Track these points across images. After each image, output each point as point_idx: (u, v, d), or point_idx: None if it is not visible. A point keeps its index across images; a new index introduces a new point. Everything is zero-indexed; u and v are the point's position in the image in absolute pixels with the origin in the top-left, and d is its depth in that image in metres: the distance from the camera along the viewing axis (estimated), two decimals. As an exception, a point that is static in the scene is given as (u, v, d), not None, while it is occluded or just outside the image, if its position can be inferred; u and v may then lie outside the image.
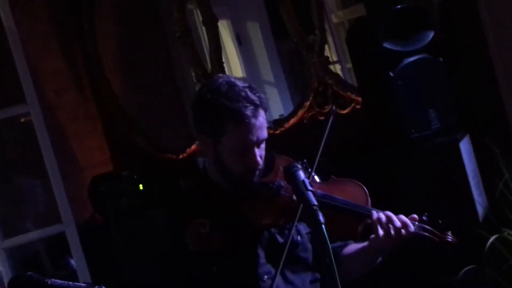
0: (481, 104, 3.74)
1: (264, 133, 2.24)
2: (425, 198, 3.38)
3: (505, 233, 3.23)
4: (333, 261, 1.97)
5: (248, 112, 2.18)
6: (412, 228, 2.23)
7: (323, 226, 1.96)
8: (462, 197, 3.37)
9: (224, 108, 2.18)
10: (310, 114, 4.30)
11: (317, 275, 2.35)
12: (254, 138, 2.21)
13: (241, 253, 2.26)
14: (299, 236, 2.32)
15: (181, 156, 4.54)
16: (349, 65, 4.47)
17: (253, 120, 2.19)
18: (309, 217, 2.02)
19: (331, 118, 2.42)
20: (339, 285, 1.98)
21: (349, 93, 4.17)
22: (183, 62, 4.83)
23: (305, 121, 4.31)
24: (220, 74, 2.33)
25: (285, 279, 2.28)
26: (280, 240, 2.28)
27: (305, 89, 4.27)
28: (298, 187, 2.10)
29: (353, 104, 4.14)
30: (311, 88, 4.24)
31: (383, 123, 3.50)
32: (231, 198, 2.29)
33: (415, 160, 3.42)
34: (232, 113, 2.18)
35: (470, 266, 3.24)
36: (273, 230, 2.29)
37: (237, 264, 2.25)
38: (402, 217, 2.25)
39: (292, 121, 4.25)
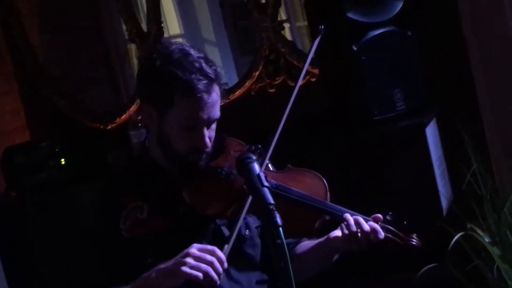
0: (450, 86, 3.76)
1: (216, 112, 2.20)
2: (384, 186, 3.40)
3: (471, 230, 3.26)
4: (290, 266, 1.94)
5: (201, 86, 2.14)
6: (381, 234, 2.22)
7: (280, 229, 1.92)
8: (426, 187, 3.40)
9: (174, 77, 2.15)
10: (258, 85, 4.24)
11: (265, 276, 2.33)
12: (205, 116, 2.17)
13: (181, 244, 2.19)
14: (247, 230, 2.30)
15: (109, 127, 4.43)
16: (299, 24, 4.41)
17: (205, 96, 2.15)
18: (265, 217, 1.98)
19: (317, 40, 2.36)
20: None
21: (303, 64, 4.10)
22: (113, 17, 4.69)
23: (252, 93, 4.25)
24: (173, 41, 2.34)
25: (229, 276, 2.26)
26: (226, 233, 2.26)
27: (254, 58, 4.19)
28: (252, 182, 2.05)
29: (308, 77, 4.09)
30: (261, 56, 4.18)
31: (342, 101, 3.49)
32: (174, 181, 2.25)
33: (376, 144, 3.42)
34: (183, 85, 2.14)
35: (432, 264, 3.27)
36: (218, 221, 2.26)
37: (175, 256, 2.17)
38: (371, 222, 2.24)
39: (238, 92, 4.19)
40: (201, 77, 2.14)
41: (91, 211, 2.40)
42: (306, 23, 4.42)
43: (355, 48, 3.36)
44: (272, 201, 1.98)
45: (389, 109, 3.43)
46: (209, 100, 2.16)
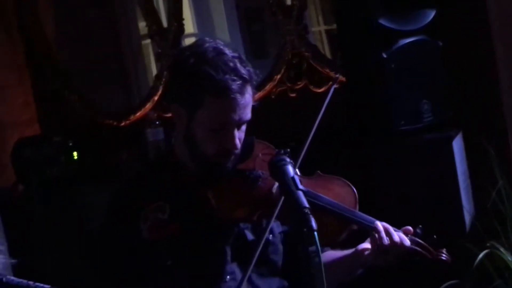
0: (478, 99, 3.81)
1: (247, 114, 2.23)
2: (407, 199, 3.44)
3: (493, 248, 3.30)
4: (323, 273, 1.97)
5: (235, 86, 2.16)
6: (408, 243, 2.25)
7: (316, 233, 1.94)
8: (450, 202, 3.45)
9: (207, 77, 2.16)
10: (279, 89, 4.29)
11: (285, 283, 2.36)
12: (236, 118, 2.19)
13: (203, 247, 2.24)
14: (271, 235, 2.31)
15: (123, 124, 4.46)
16: (315, 29, 4.45)
17: (238, 97, 2.17)
18: (299, 221, 1.99)
19: (332, 89, 2.38)
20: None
21: (327, 70, 4.17)
22: (128, 12, 4.73)
23: (273, 96, 4.29)
24: (207, 38, 2.31)
25: (250, 282, 2.28)
26: (250, 237, 2.28)
27: (276, 60, 4.24)
28: (286, 185, 2.08)
29: (330, 83, 4.13)
30: (283, 60, 4.23)
31: (368, 109, 3.53)
32: (199, 182, 2.27)
33: (401, 156, 3.47)
34: (216, 85, 2.16)
35: (452, 282, 3.31)
36: (242, 225, 2.29)
37: (196, 259, 2.24)
38: (398, 231, 2.27)
39: (258, 95, 4.21)
40: (235, 78, 2.16)
41: (104, 211, 2.37)
42: (321, 28, 4.50)
43: (384, 56, 3.41)
44: (307, 205, 2.00)
45: (416, 120, 3.47)
46: (241, 102, 2.18)
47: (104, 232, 2.35)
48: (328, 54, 4.32)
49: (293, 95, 4.26)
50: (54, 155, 4.05)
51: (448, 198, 3.44)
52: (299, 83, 4.25)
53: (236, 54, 2.22)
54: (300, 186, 2.07)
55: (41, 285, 1.60)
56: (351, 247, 2.33)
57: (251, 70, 2.22)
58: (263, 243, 2.21)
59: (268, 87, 4.26)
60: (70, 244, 3.83)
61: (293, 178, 2.09)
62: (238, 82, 2.16)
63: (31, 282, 1.61)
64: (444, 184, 3.44)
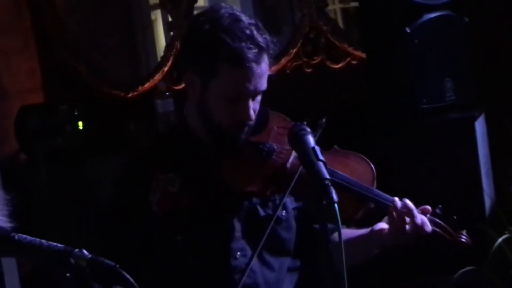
0: (503, 80, 3.78)
1: (263, 84, 2.21)
2: (426, 181, 3.42)
3: (513, 233, 3.29)
4: (343, 247, 1.94)
5: (251, 55, 2.14)
6: (429, 228, 2.22)
7: (336, 205, 1.92)
8: (470, 185, 3.43)
9: (222, 44, 2.15)
10: (295, 63, 4.27)
11: (297, 262, 2.35)
12: (252, 87, 2.17)
13: (214, 222, 2.23)
14: (284, 211, 2.29)
15: (130, 95, 4.45)
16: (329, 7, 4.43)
17: (254, 66, 2.15)
18: (319, 193, 1.96)
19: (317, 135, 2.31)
20: (345, 277, 1.94)
21: (346, 45, 4.15)
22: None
23: (288, 71, 4.28)
24: (223, 4, 2.28)
25: (261, 259, 2.27)
26: (262, 213, 2.27)
27: (293, 34, 4.22)
28: (306, 155, 2.06)
29: (348, 59, 4.12)
30: (300, 33, 4.20)
31: (388, 86, 3.50)
32: (211, 154, 2.26)
33: (422, 135, 3.45)
34: (231, 53, 2.14)
35: (469, 268, 3.29)
36: (254, 200, 2.27)
37: (207, 234, 2.22)
38: (420, 215, 2.23)
39: (272, 69, 4.19)
40: (251, 46, 2.14)
41: (113, 183, 2.38)
42: (336, 6, 4.48)
43: (408, 30, 3.38)
44: (327, 176, 1.98)
45: (438, 99, 3.45)
46: (257, 71, 2.16)
47: (113, 205, 2.35)
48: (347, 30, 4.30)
49: (309, 70, 4.24)
50: (59, 125, 4.05)
51: (468, 181, 3.43)
52: (315, 58, 4.23)
53: (253, 21, 2.20)
54: (321, 157, 2.05)
55: (54, 244, 1.58)
56: (366, 227, 2.31)
57: (268, 38, 2.20)
58: (275, 219, 2.20)
59: (283, 61, 4.25)
60: (75, 216, 3.83)
61: (313, 148, 2.07)
62: (254, 51, 2.14)
63: (44, 241, 1.60)
64: (464, 166, 3.42)
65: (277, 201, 2.24)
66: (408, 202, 2.23)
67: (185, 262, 2.24)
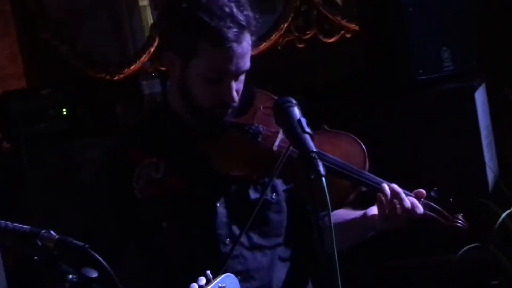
0: (504, 48, 3.74)
1: (246, 63, 2.18)
2: (424, 156, 3.40)
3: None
4: (332, 224, 1.90)
5: (231, 34, 2.10)
6: (420, 210, 2.20)
7: (323, 179, 1.88)
8: (471, 159, 3.41)
9: (200, 24, 2.11)
10: (286, 39, 4.22)
11: (289, 252, 2.32)
12: (233, 68, 2.14)
13: (200, 207, 2.21)
14: (273, 194, 2.28)
15: (116, 77, 4.41)
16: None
17: (234, 45, 2.11)
18: (306, 167, 1.93)
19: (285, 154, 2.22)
20: (335, 251, 1.90)
21: (338, 18, 4.10)
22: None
23: (279, 47, 4.23)
24: None
25: (253, 244, 2.25)
26: (253, 196, 2.25)
27: (284, 8, 4.18)
28: (292, 128, 2.02)
29: (342, 32, 4.08)
30: (291, 6, 4.16)
31: (384, 58, 3.48)
32: (195, 137, 2.23)
33: (419, 108, 3.42)
34: (210, 33, 2.11)
35: (473, 245, 3.27)
36: (244, 183, 2.24)
37: (193, 220, 2.21)
38: (412, 198, 2.21)
39: (264, 46, 4.17)
40: (231, 24, 2.10)
41: (96, 168, 2.37)
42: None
43: (401, -1, 3.36)
44: (314, 149, 1.95)
45: (435, 69, 3.42)
46: (238, 51, 2.12)
47: (96, 193, 2.33)
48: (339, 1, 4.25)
49: (301, 45, 4.19)
50: (42, 109, 4.02)
51: (470, 154, 3.40)
52: (308, 32, 4.18)
53: None
54: (307, 129, 2.01)
55: (19, 225, 1.56)
56: (362, 208, 2.28)
57: (250, 15, 2.16)
58: (263, 202, 2.19)
59: (274, 37, 4.21)
60: (61, 201, 3.81)
61: (299, 120, 2.03)
62: (234, 30, 2.10)
63: (9, 223, 1.57)
64: (465, 139, 3.39)
65: (269, 184, 2.20)
66: (395, 186, 2.20)
67: (173, 249, 2.23)
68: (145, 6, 4.72)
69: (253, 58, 4.02)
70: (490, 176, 3.45)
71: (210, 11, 2.11)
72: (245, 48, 2.15)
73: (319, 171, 1.89)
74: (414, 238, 3.17)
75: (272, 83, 3.41)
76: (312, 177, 1.90)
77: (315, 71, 4.07)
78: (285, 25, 4.21)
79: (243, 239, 2.22)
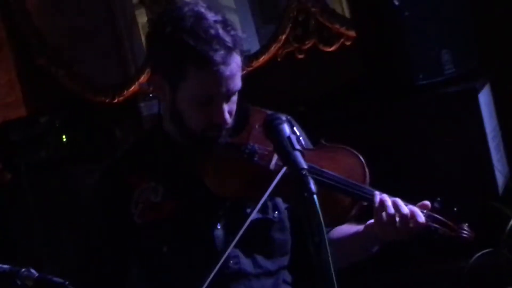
0: (507, 46, 3.72)
1: (237, 84, 2.17)
2: (430, 162, 3.39)
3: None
4: (326, 240, 1.89)
5: (218, 57, 2.10)
6: (422, 219, 2.19)
7: (315, 196, 1.88)
8: (479, 162, 3.38)
9: (186, 47, 2.11)
10: (286, 50, 4.23)
11: (291, 276, 2.33)
12: (223, 90, 2.14)
13: (200, 230, 2.22)
14: (276, 212, 2.28)
15: (116, 100, 4.44)
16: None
17: (222, 68, 2.11)
18: (297, 184, 1.93)
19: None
20: (333, 273, 1.91)
21: (337, 25, 4.11)
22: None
23: (279, 59, 4.25)
24: (187, 0, 2.24)
25: (257, 264, 2.26)
26: (253, 216, 2.18)
27: (281, 19, 4.19)
28: (282, 145, 2.03)
29: (342, 40, 4.08)
30: (288, 17, 4.17)
31: (382, 65, 3.47)
32: (190, 159, 2.24)
33: (421, 113, 3.41)
34: (196, 56, 2.11)
35: (486, 250, 3.25)
36: (243, 204, 2.24)
37: (194, 244, 2.21)
38: (411, 205, 2.21)
39: (263, 58, 4.19)
40: (217, 47, 2.10)
41: (92, 194, 2.37)
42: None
43: (396, 3, 3.34)
44: (305, 166, 1.95)
45: (436, 73, 3.40)
46: (227, 73, 2.11)
47: (93, 219, 2.34)
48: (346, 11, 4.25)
49: (301, 56, 4.20)
50: (41, 137, 4.05)
51: (477, 158, 3.38)
52: (307, 42, 4.19)
53: (218, 18, 2.15)
54: (297, 146, 2.02)
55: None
56: (366, 221, 2.28)
57: (237, 34, 2.15)
58: (264, 223, 2.22)
59: (273, 49, 4.22)
60: (63, 229, 3.83)
61: (289, 137, 2.04)
62: (221, 52, 2.10)
63: None
64: (471, 142, 3.37)
65: (269, 204, 2.24)
66: (393, 199, 2.20)
67: (175, 274, 2.23)
68: (145, 24, 4.76)
69: (253, 71, 4.08)
70: (500, 179, 3.42)
71: (195, 34, 2.11)
72: (234, 70, 2.14)
73: (310, 188, 1.89)
74: (424, 245, 3.15)
75: (273, 95, 3.44)
76: (305, 194, 1.90)
77: (317, 81, 4.08)
78: (284, 36, 4.22)
79: (247, 261, 2.23)
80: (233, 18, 4.80)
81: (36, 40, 4.55)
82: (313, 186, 1.90)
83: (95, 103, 4.46)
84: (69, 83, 4.51)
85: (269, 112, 2.29)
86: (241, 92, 2.20)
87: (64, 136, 4.08)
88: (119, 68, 4.70)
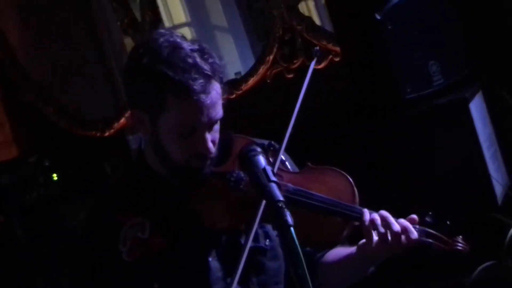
0: (496, 52, 3.74)
1: (218, 112, 2.19)
2: (424, 176, 3.40)
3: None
4: (307, 273, 1.92)
5: (197, 86, 2.12)
6: (414, 234, 2.21)
7: (291, 229, 1.92)
8: (475, 173, 3.39)
9: (164, 78, 2.12)
10: (274, 71, 4.28)
11: None
12: (204, 119, 2.16)
13: (191, 264, 2.24)
14: (267, 240, 2.30)
15: (107, 134, 4.48)
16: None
17: (202, 97, 2.13)
18: (274, 217, 1.97)
19: (313, 63, 2.33)
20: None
21: (324, 42, 4.15)
22: (105, 7, 4.75)
23: (268, 80, 4.29)
24: (162, 31, 2.24)
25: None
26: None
27: (267, 40, 4.24)
28: (257, 178, 2.06)
29: (330, 57, 4.12)
30: (274, 37, 4.22)
31: (369, 80, 3.49)
32: (176, 192, 2.26)
33: (411, 127, 3.43)
34: (175, 86, 2.12)
35: (488, 263, 3.27)
36: (235, 234, 2.26)
37: (186, 279, 2.22)
38: (402, 220, 2.22)
39: (252, 81, 4.23)
40: (196, 76, 2.11)
41: (79, 233, 2.38)
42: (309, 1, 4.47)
43: (378, 17, 3.38)
44: (281, 198, 1.98)
45: (425, 85, 3.43)
46: (207, 102, 2.13)
47: (82, 259, 2.35)
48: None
49: (291, 76, 4.24)
50: (31, 178, 4.09)
51: (473, 169, 3.39)
52: (295, 61, 4.23)
53: (195, 47, 2.17)
54: (273, 178, 2.04)
55: None
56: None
57: (216, 62, 2.17)
58: (256, 251, 2.22)
59: (261, 70, 4.26)
60: (59, 269, 3.87)
61: (264, 169, 2.06)
62: (200, 81, 2.12)
63: None
64: (466, 153, 3.38)
65: (259, 232, 2.26)
66: (383, 211, 2.23)
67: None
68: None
69: (243, 94, 4.10)
70: (498, 188, 3.43)
71: (173, 64, 2.12)
72: (214, 98, 2.16)
73: (286, 221, 1.92)
74: (424, 261, 3.17)
75: (264, 118, 3.45)
76: (281, 226, 1.93)
77: (308, 100, 4.09)
78: (271, 56, 4.26)
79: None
80: (227, 37, 4.87)
81: (21, 77, 4.60)
82: (289, 219, 1.93)
83: (85, 137, 4.49)
84: (58, 119, 4.55)
85: (251, 139, 2.32)
86: (222, 120, 2.22)
87: (54, 175, 4.13)
88: (110, 99, 4.74)
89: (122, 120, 4.44)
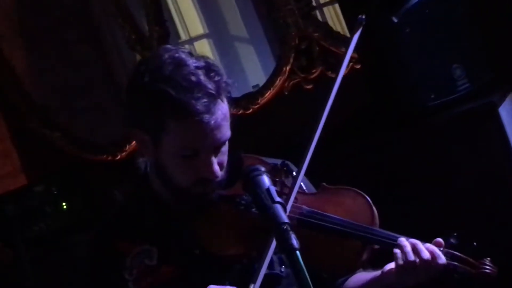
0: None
1: (224, 134, 2.17)
2: (448, 190, 3.35)
3: None
4: None
5: (200, 106, 2.10)
6: (443, 259, 2.19)
7: (297, 252, 1.89)
8: (505, 188, 3.33)
9: (165, 97, 2.12)
10: (292, 82, 4.24)
11: None
12: (209, 142, 2.15)
13: None
14: (282, 267, 2.27)
15: (118, 157, 4.47)
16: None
17: (206, 118, 2.11)
18: (279, 240, 1.95)
19: (357, 34, 2.29)
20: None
21: (343, 49, 4.08)
22: (113, 24, 4.75)
23: (286, 92, 4.24)
24: (169, 46, 2.24)
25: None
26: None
27: (283, 50, 4.21)
28: (260, 199, 2.03)
29: (351, 64, 4.06)
30: (290, 46, 4.17)
31: (388, 89, 3.45)
32: (183, 217, 2.24)
33: (435, 137, 3.39)
34: (176, 107, 2.11)
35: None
36: (245, 260, 2.24)
37: None
38: (429, 245, 2.20)
39: (269, 94, 4.19)
40: (199, 95, 2.10)
41: (83, 265, 2.38)
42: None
43: (395, 20, 3.35)
44: (285, 220, 1.95)
45: (449, 91, 3.38)
46: (212, 122, 2.12)
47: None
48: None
49: (309, 86, 4.19)
50: (38, 208, 4.08)
51: (503, 183, 3.33)
52: (313, 71, 4.19)
53: (201, 64, 2.16)
54: (277, 199, 2.01)
55: None
56: (382, 264, 2.28)
57: (222, 80, 2.16)
58: (272, 278, 2.21)
59: (278, 82, 4.23)
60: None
61: (268, 190, 2.03)
62: (203, 100, 2.10)
63: None
64: (496, 163, 3.34)
65: (274, 258, 2.22)
66: (413, 240, 2.21)
67: None
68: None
69: (260, 108, 4.07)
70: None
71: (175, 82, 2.11)
72: (220, 119, 2.14)
73: (292, 244, 1.90)
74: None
75: (282, 132, 3.41)
76: (287, 250, 1.91)
77: (330, 111, 4.05)
78: (288, 67, 4.23)
79: None
80: (247, 48, 4.84)
81: (26, 104, 4.62)
82: (295, 242, 1.90)
83: (96, 162, 4.49)
84: (66, 144, 4.55)
85: (262, 158, 2.32)
86: (231, 140, 2.19)
87: (64, 204, 4.12)
88: (120, 121, 4.74)
89: (134, 142, 4.41)
